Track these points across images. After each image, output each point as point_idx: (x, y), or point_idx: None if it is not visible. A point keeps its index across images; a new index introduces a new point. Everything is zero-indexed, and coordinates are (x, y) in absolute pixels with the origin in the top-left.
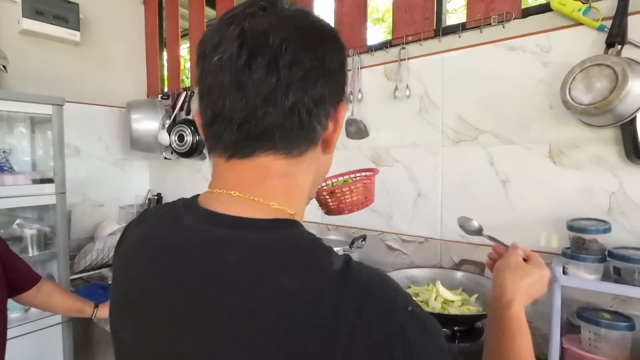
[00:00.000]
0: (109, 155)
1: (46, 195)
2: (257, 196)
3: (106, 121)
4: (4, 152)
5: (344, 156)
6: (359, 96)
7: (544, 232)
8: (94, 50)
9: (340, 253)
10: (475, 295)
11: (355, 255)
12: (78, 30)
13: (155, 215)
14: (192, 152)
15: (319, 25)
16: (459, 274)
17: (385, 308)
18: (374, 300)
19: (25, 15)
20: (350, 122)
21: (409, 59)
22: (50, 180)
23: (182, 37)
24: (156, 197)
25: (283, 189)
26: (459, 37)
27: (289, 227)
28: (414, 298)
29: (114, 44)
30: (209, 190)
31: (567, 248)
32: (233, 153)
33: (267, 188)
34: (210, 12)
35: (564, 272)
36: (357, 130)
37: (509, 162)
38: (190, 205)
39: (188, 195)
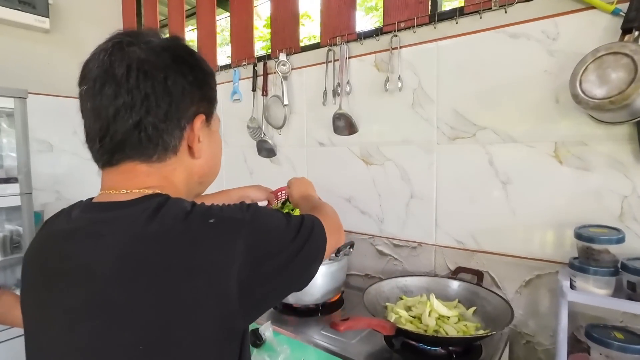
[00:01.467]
0: (85, 150)
1: (10, 196)
2: (130, 189)
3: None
4: None
5: (332, 153)
6: (347, 88)
7: (548, 239)
8: (66, 37)
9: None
10: (473, 309)
11: (342, 263)
12: (47, 16)
13: (61, 213)
14: None
15: (167, 54)
16: (455, 284)
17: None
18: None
19: None
20: (338, 117)
21: (401, 47)
22: (14, 180)
23: (162, 27)
24: None
25: (153, 182)
26: (456, 23)
27: (156, 198)
28: (406, 310)
29: (87, 31)
30: (99, 193)
31: (575, 258)
32: (103, 164)
33: (136, 183)
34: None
35: (572, 286)
36: (346, 126)
37: (510, 161)
38: (81, 203)
39: None
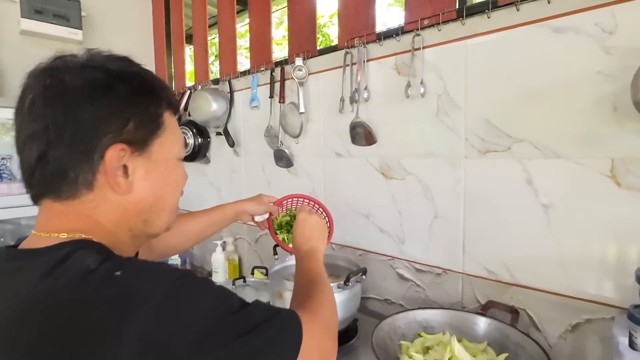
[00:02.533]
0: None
1: None
2: (49, 232)
3: None
4: (2, 158)
5: (349, 165)
6: (365, 95)
7: (600, 277)
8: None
9: (335, 289)
10: (504, 356)
11: (354, 290)
12: (80, 28)
13: None
14: (194, 155)
15: (81, 77)
16: (484, 322)
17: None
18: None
19: (24, 15)
20: (356, 126)
21: (424, 48)
22: None
23: (188, 36)
24: None
25: (73, 224)
26: (488, 17)
27: (67, 247)
28: (424, 352)
29: (119, 42)
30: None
31: (637, 306)
32: (32, 200)
33: (55, 225)
34: (212, 10)
35: (631, 344)
36: (363, 135)
37: (553, 181)
38: (5, 249)
39: (193, 199)
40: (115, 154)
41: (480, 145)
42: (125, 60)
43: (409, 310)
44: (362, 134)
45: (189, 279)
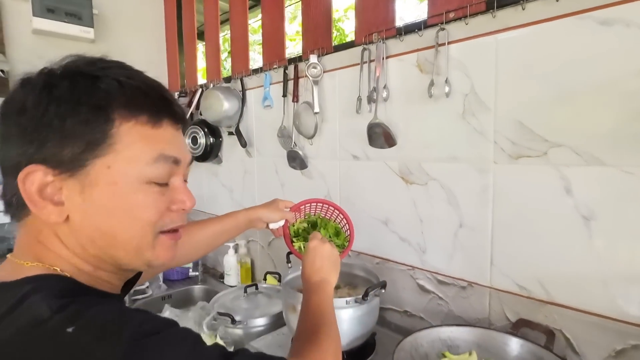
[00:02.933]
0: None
1: None
2: (20, 258)
3: None
4: None
5: (367, 168)
6: (384, 94)
7: None
8: (111, 47)
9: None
10: None
11: (372, 304)
12: (92, 26)
13: None
14: (206, 155)
15: (21, 88)
16: (516, 343)
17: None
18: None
19: (35, 14)
20: (373, 127)
21: (449, 43)
22: None
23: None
24: None
25: (36, 250)
26: (523, 9)
27: (28, 284)
28: None
29: (131, 40)
30: None
31: None
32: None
33: (23, 250)
34: (224, 6)
35: None
36: (382, 137)
37: (595, 190)
38: None
39: (206, 200)
40: (30, 176)
41: (511, 150)
42: (73, 58)
43: (433, 327)
44: (380, 136)
45: (156, 340)
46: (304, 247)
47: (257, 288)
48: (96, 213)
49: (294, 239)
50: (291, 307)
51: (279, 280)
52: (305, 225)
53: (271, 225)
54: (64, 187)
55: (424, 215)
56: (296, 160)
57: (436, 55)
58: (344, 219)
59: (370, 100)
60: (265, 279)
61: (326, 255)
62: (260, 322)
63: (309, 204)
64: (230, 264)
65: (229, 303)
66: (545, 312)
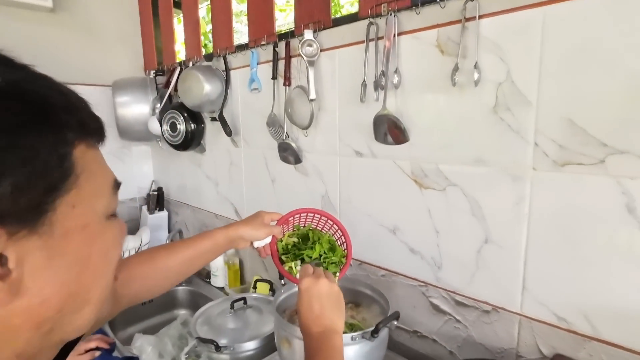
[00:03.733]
0: (103, 144)
1: None
2: None
3: (96, 104)
4: None
5: (372, 167)
6: (395, 79)
7: None
8: (74, 18)
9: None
10: None
11: (381, 337)
12: None
13: None
14: (187, 143)
15: None
16: None
17: None
18: None
19: None
20: (382, 119)
21: (480, 17)
22: None
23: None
24: (156, 193)
25: None
26: None
27: None
28: None
29: (98, 9)
30: None
31: None
32: None
33: None
34: None
35: None
36: (392, 132)
37: None
38: None
39: (189, 192)
40: None
41: (557, 154)
42: None
43: None
44: (389, 130)
45: None
46: (295, 268)
47: (245, 302)
48: (67, 271)
49: (283, 257)
50: (284, 341)
51: (271, 289)
52: (296, 239)
53: (256, 244)
54: (19, 250)
55: (440, 226)
56: (289, 154)
57: (462, 32)
58: (339, 230)
59: (377, 86)
60: (255, 287)
61: (325, 294)
62: (249, 346)
63: (298, 214)
64: (217, 265)
65: (213, 320)
66: (590, 349)
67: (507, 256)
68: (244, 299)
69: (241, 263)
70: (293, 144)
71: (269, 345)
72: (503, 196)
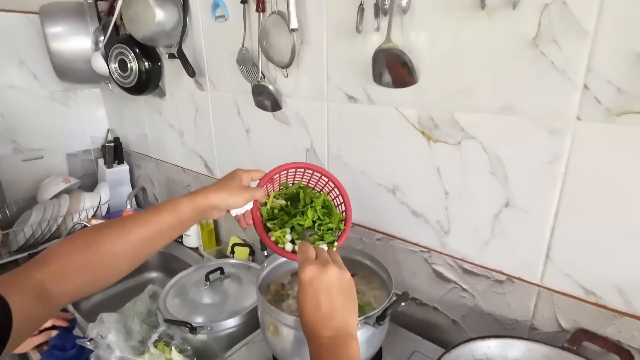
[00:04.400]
0: (40, 86)
1: None
2: None
3: (26, 37)
4: None
5: (369, 115)
6: (403, 2)
7: None
8: None
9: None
10: None
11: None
12: None
13: None
14: (142, 86)
15: None
16: None
17: None
18: None
19: None
20: (382, 54)
21: None
22: None
23: None
24: (113, 145)
25: None
26: None
27: None
28: None
29: None
30: None
31: None
32: None
33: None
34: None
35: None
36: (396, 70)
37: None
38: None
39: (152, 143)
40: None
41: (612, 101)
42: None
43: (465, 343)
44: (392, 69)
45: None
46: (284, 237)
47: (222, 273)
48: None
49: (269, 224)
50: (271, 327)
51: (251, 254)
52: (283, 202)
53: (234, 212)
54: None
55: (451, 186)
56: (265, 99)
57: None
58: (336, 188)
59: (379, 11)
60: (232, 252)
61: (335, 285)
62: (229, 324)
63: (285, 171)
64: None
65: (186, 294)
66: (621, 325)
67: (531, 222)
68: (221, 268)
69: (216, 222)
70: (270, 87)
71: (251, 320)
72: (534, 153)
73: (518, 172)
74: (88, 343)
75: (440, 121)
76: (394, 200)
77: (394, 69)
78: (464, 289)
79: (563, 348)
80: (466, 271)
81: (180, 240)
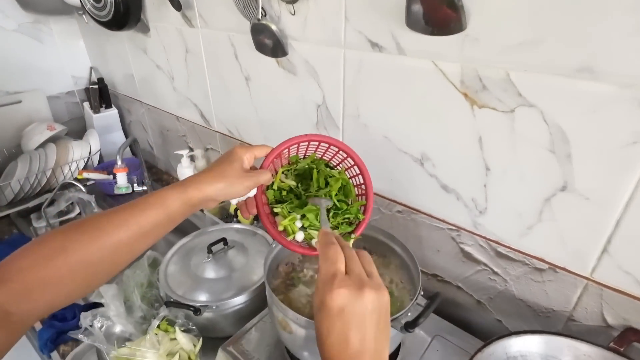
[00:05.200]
0: (5, 17)
1: None
2: None
3: None
4: None
5: (395, 68)
6: None
7: None
8: None
9: None
10: None
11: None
12: None
13: None
14: (121, 20)
15: None
16: None
17: None
18: None
19: None
20: None
21: None
22: None
23: None
24: (97, 86)
25: None
26: None
27: None
28: None
29: None
30: None
31: None
32: None
33: None
34: None
35: None
36: (437, 12)
37: None
38: None
39: (140, 85)
40: None
41: None
42: None
43: (500, 339)
44: (433, 9)
45: None
46: (294, 225)
47: (226, 243)
48: None
49: (275, 209)
50: (282, 322)
51: (255, 218)
52: (293, 183)
53: (234, 201)
54: None
55: (494, 161)
56: (267, 42)
57: None
58: (355, 166)
59: None
60: (235, 216)
61: (369, 315)
62: (236, 301)
63: (296, 145)
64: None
65: (187, 267)
66: None
67: (592, 211)
68: (224, 240)
69: None
70: (273, 26)
71: (260, 295)
72: (613, 129)
73: (586, 152)
74: (81, 335)
75: (490, 82)
76: (421, 172)
77: (436, 9)
78: (495, 272)
79: (609, 348)
80: (500, 254)
81: None
